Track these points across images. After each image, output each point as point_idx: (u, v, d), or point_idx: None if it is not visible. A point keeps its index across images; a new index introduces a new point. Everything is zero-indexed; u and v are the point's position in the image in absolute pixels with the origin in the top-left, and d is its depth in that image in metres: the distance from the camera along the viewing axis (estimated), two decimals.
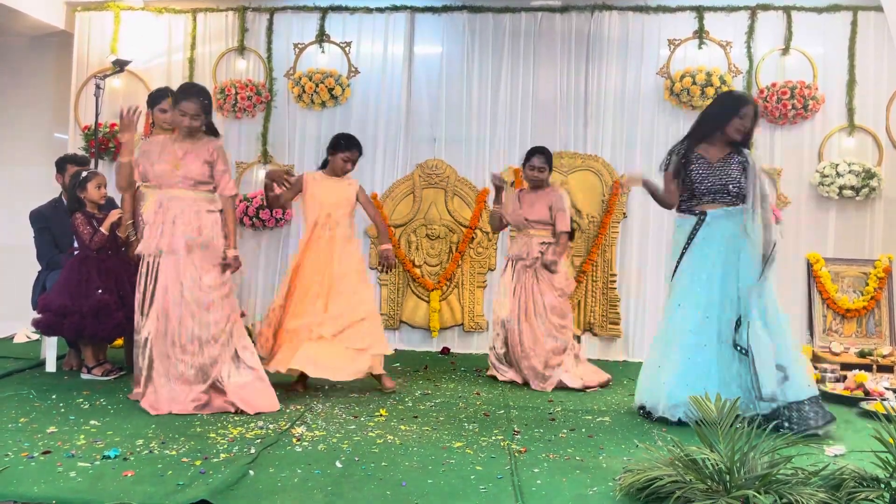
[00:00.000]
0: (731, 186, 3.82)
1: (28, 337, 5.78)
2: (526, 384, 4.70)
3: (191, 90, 3.88)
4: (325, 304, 4.25)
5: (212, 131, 3.96)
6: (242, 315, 5.98)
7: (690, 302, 3.81)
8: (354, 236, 4.51)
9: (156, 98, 4.66)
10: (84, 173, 4.52)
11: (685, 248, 3.88)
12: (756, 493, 2.35)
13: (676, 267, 3.92)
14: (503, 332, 4.85)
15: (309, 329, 4.18)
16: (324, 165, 4.52)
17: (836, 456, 3.19)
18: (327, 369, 4.14)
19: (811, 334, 5.69)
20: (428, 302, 6.04)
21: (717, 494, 2.42)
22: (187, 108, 3.79)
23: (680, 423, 3.68)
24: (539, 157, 4.85)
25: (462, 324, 6.03)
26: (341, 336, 4.20)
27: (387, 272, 5.00)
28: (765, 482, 2.41)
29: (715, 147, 3.89)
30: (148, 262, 3.82)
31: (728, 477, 2.46)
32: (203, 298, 3.78)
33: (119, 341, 4.91)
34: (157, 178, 3.83)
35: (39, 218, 4.90)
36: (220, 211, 3.91)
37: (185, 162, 3.81)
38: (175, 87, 6.05)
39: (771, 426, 3.46)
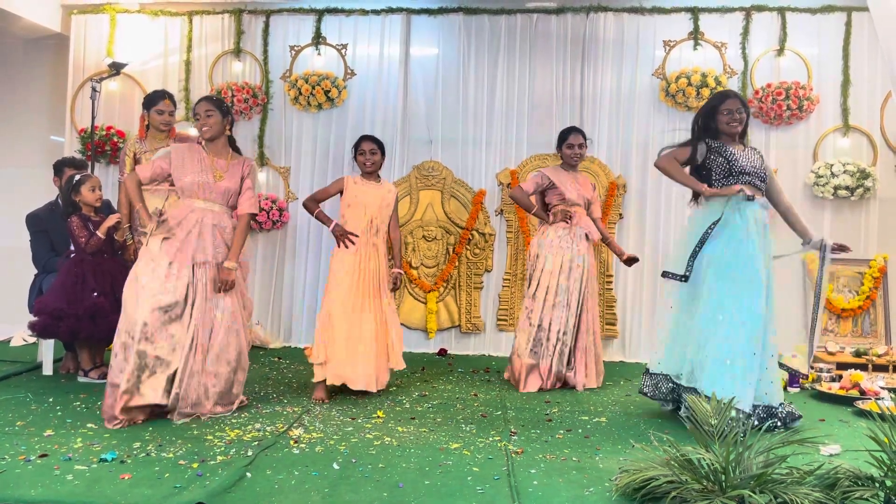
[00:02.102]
0: (760, 172, 3.88)
1: (25, 340, 5.77)
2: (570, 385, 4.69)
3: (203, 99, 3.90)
4: (373, 319, 4.29)
5: (234, 147, 3.95)
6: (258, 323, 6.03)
7: (749, 289, 3.67)
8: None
9: (153, 99, 4.65)
10: (77, 176, 4.51)
11: (716, 223, 3.75)
12: (751, 493, 2.36)
13: (703, 240, 3.75)
14: (565, 324, 4.63)
15: (362, 352, 4.24)
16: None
17: (831, 455, 3.20)
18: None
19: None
20: (425, 303, 6.05)
21: (713, 494, 2.43)
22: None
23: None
24: (578, 135, 4.81)
25: (459, 325, 6.04)
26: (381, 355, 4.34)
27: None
28: (760, 482, 2.42)
29: (729, 143, 3.93)
30: (177, 267, 3.65)
31: (723, 477, 2.47)
32: (242, 315, 3.86)
33: None
34: (188, 188, 3.73)
35: (36, 221, 4.90)
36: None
37: (227, 175, 3.80)
38: (172, 89, 6.09)
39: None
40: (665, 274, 3.94)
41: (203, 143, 3.84)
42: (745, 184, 3.83)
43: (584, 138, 4.83)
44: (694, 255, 3.79)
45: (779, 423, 3.70)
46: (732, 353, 3.63)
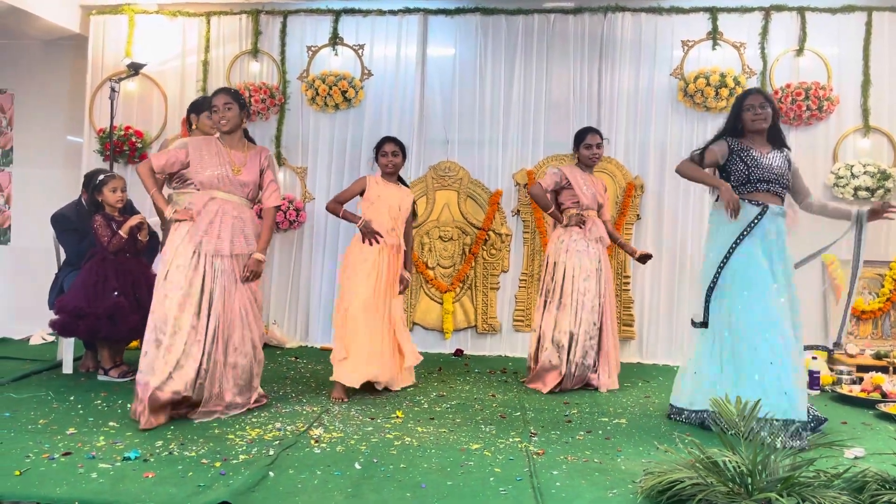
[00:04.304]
0: (782, 179, 3.81)
1: (44, 339, 5.81)
2: (587, 386, 4.68)
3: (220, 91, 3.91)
4: (387, 320, 4.39)
5: (248, 138, 3.97)
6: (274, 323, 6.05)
7: (768, 295, 3.67)
8: None
9: (203, 105, 4.54)
10: (101, 176, 4.53)
11: (742, 235, 3.73)
12: (778, 496, 2.34)
13: (730, 254, 3.74)
14: (585, 325, 4.61)
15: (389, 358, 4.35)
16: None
17: (855, 458, 3.17)
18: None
19: (826, 336, 5.65)
20: (441, 304, 6.04)
21: (739, 497, 2.41)
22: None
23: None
24: (595, 135, 4.78)
25: (475, 325, 6.03)
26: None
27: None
28: (787, 485, 2.41)
29: (757, 143, 3.87)
30: (199, 259, 3.64)
31: (750, 480, 2.45)
32: (255, 307, 3.85)
33: (135, 343, 4.94)
34: (208, 181, 3.73)
35: (64, 220, 4.83)
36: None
37: (245, 168, 3.80)
38: (190, 90, 6.11)
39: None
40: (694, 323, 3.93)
41: (219, 135, 3.85)
42: (763, 192, 3.78)
43: (602, 138, 4.81)
44: (708, 297, 3.79)
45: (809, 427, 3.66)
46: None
